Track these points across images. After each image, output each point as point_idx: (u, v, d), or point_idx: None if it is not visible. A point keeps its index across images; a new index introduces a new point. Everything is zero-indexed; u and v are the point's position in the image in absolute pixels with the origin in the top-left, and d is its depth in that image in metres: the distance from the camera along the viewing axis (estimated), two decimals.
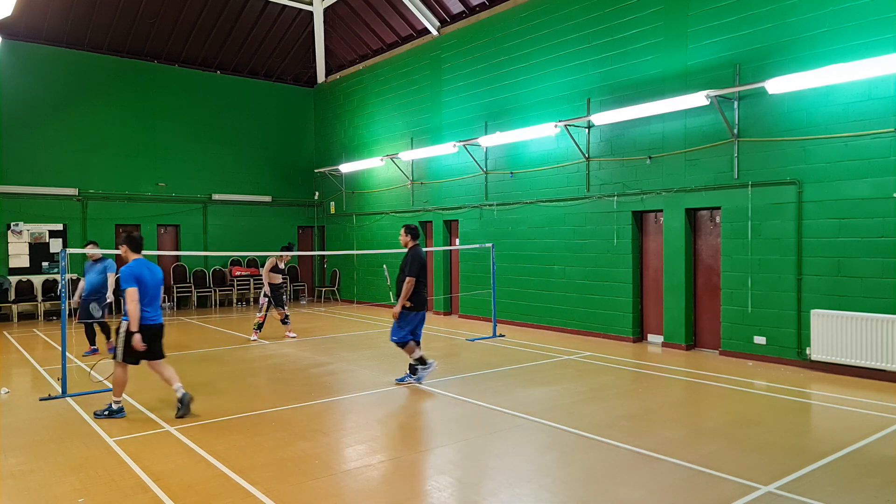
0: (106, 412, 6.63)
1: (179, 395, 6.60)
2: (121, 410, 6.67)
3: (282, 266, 12.05)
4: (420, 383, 8.07)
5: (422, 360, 8.13)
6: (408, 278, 7.88)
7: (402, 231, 8.29)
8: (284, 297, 12.16)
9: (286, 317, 12.03)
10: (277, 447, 5.65)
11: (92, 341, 10.43)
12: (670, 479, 4.84)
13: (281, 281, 12.00)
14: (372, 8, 16.74)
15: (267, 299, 11.79)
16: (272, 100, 19.67)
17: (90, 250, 10.14)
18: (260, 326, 11.83)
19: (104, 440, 5.89)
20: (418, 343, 8.19)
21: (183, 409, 6.57)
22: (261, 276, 18.71)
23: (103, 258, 10.23)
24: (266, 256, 19.26)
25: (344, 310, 16.89)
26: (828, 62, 8.27)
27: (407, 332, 8.02)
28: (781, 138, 9.02)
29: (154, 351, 6.64)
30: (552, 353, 10.11)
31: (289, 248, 12.29)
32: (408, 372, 8.20)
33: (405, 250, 8.19)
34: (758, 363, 9.15)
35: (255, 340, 11.67)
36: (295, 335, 12.08)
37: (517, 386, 7.93)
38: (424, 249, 14.53)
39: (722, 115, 9.42)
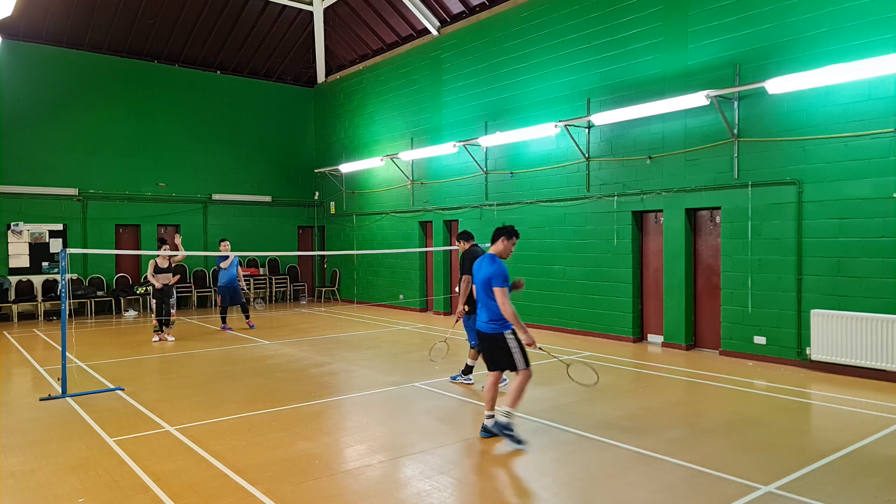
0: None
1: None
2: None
3: (164, 265, 11.43)
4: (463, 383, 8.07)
5: (470, 369, 8.09)
6: (464, 277, 7.88)
7: (456, 239, 8.26)
8: (172, 300, 11.62)
9: (168, 322, 11.58)
10: (277, 447, 5.66)
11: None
12: (670, 479, 4.84)
13: (166, 283, 11.45)
14: (372, 8, 16.74)
15: (155, 301, 11.49)
16: (272, 100, 19.67)
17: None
18: (161, 327, 11.58)
19: (104, 440, 5.89)
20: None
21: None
22: (261, 276, 18.85)
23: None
24: (266, 256, 19.45)
25: (344, 310, 16.88)
26: (828, 62, 8.27)
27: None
28: (781, 138, 9.02)
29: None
30: (552, 353, 10.08)
31: (162, 242, 11.35)
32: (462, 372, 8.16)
33: (404, 250, 8.15)
34: (758, 363, 9.15)
35: (157, 341, 11.48)
36: (173, 339, 11.62)
37: None
38: (425, 249, 14.69)
39: (722, 115, 9.43)
